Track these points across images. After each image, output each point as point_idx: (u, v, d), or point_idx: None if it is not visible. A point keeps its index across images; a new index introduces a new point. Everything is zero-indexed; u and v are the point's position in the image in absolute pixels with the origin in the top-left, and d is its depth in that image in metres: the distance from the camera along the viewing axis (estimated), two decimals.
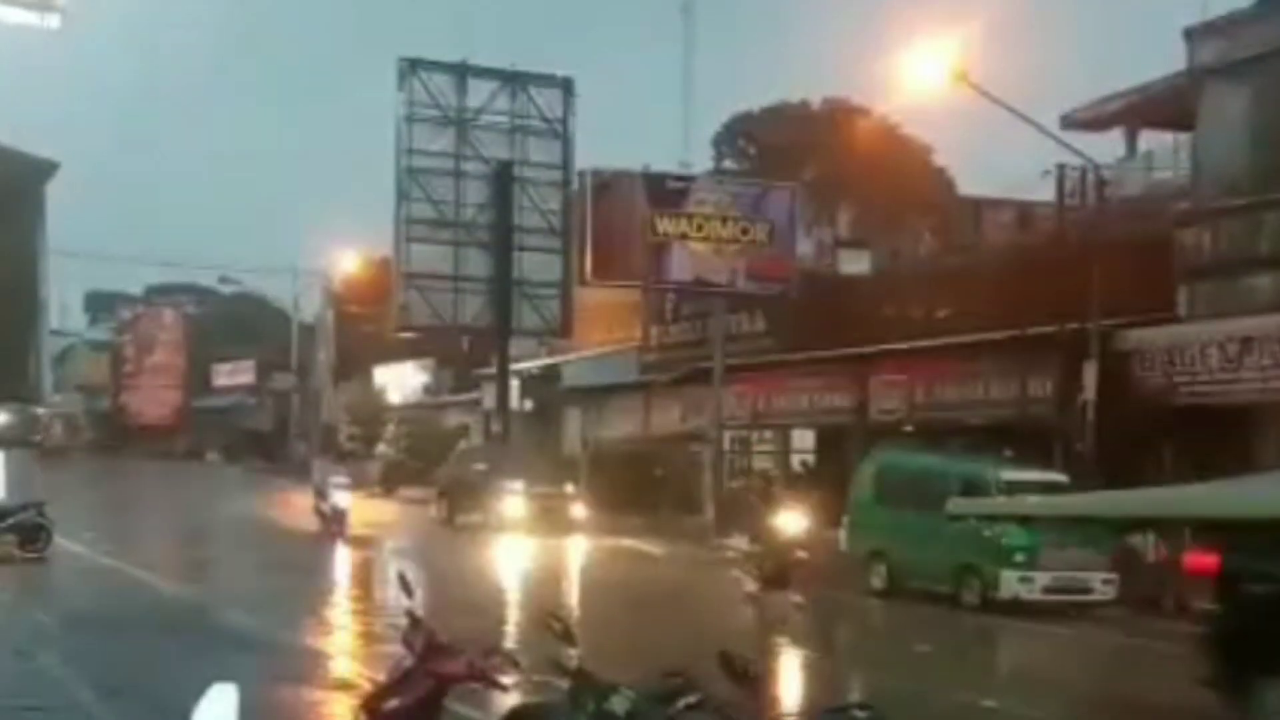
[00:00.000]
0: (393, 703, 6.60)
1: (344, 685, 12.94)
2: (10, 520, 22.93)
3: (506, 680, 7.00)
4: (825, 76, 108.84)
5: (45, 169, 6.14)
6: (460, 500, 34.64)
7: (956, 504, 19.87)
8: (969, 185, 43.60)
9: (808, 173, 39.90)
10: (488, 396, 44.99)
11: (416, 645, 6.74)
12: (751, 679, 6.04)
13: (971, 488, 20.40)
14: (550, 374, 44.47)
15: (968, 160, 63.56)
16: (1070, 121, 29.27)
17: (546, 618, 6.79)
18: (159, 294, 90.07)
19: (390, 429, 56.55)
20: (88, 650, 14.24)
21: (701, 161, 46.57)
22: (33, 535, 22.81)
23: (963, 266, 30.71)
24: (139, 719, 10.80)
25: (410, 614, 6.93)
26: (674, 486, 36.20)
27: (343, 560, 26.81)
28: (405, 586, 7.36)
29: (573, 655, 6.51)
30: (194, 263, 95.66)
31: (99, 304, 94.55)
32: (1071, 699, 14.60)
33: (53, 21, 8.15)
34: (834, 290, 33.80)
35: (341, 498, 30.26)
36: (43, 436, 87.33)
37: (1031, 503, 20.09)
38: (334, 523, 29.67)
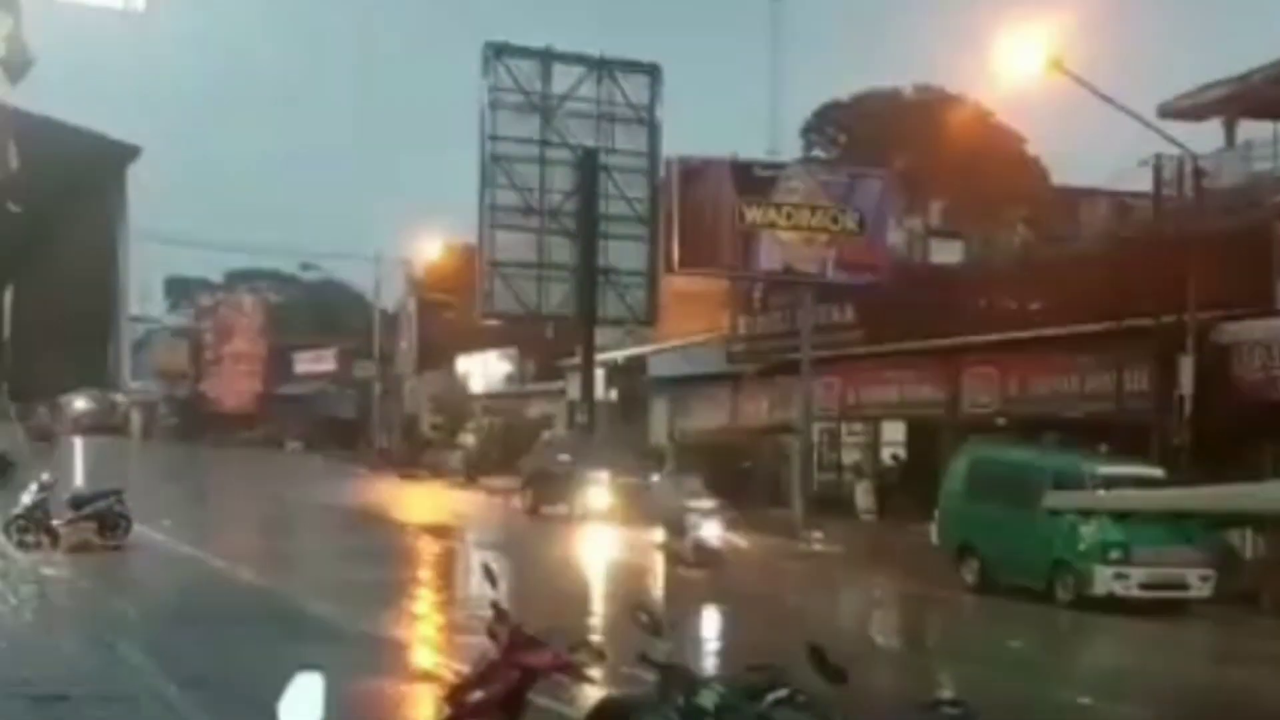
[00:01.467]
0: (477, 694, 6.51)
1: (426, 676, 12.90)
2: (89, 508, 23.11)
3: (592, 672, 6.90)
4: (917, 64, 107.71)
5: (126, 152, 5.98)
6: (545, 491, 34.51)
7: (1054, 497, 19.86)
8: (1063, 175, 43.36)
9: (899, 161, 39.25)
10: (572, 386, 44.78)
11: (502, 637, 6.65)
12: (841, 674, 5.88)
13: (1066, 483, 20.20)
14: (636, 364, 44.17)
15: (1062, 150, 62.52)
16: (1168, 111, 28.89)
17: (635, 610, 6.70)
18: (240, 280, 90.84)
19: (474, 419, 56.61)
20: (168, 640, 14.21)
21: (790, 151, 46.23)
22: (112, 523, 22.99)
23: (1057, 258, 30.20)
24: (221, 709, 10.69)
25: (495, 605, 6.82)
26: (761, 479, 35.87)
27: (425, 551, 26.67)
28: (490, 577, 7.24)
29: (662, 648, 6.41)
30: (275, 249, 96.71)
31: (179, 290, 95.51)
32: (1167, 697, 14.39)
33: (137, 4, 7.89)
34: (925, 281, 33.44)
35: (710, 531, 24.21)
36: (121, 424, 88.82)
37: (1130, 496, 19.81)
38: (697, 562, 23.50)
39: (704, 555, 23.47)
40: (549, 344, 50.54)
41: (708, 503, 24.71)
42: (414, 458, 56.18)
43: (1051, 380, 28.26)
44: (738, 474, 36.39)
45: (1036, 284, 29.35)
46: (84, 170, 6.24)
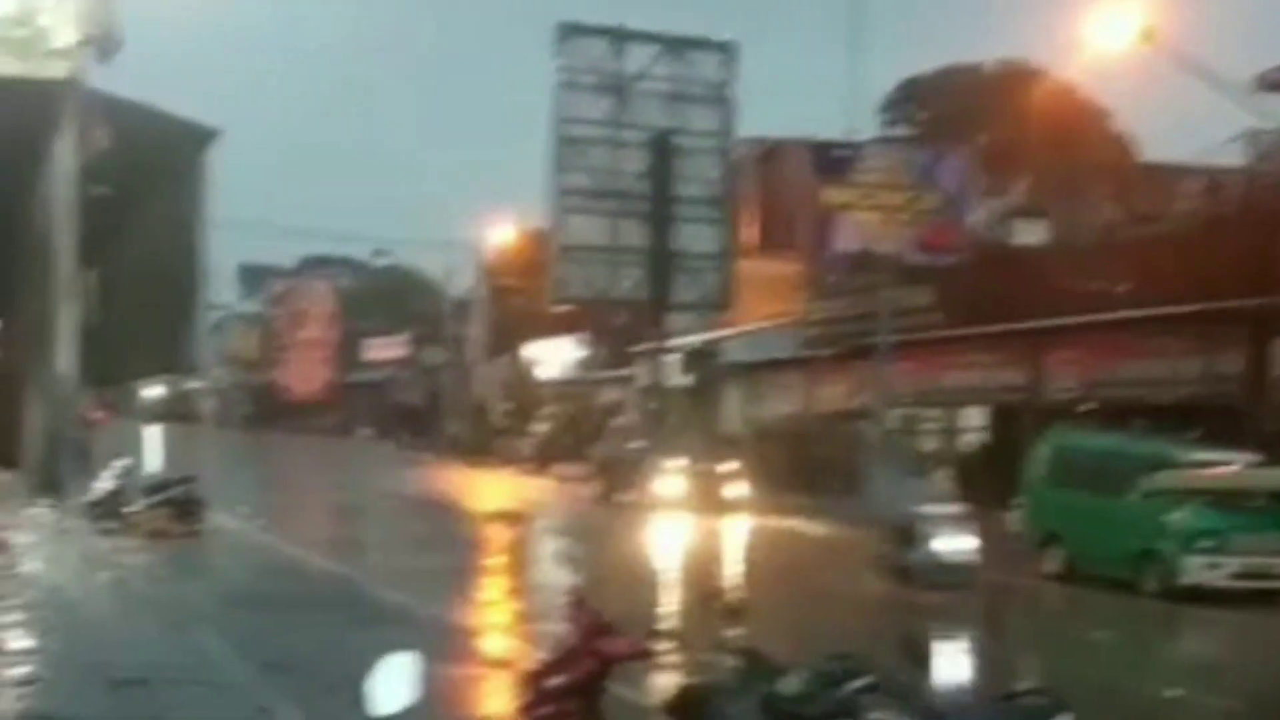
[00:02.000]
0: (555, 681, 6.46)
1: (500, 663, 12.84)
2: (165, 494, 23.25)
3: (670, 660, 7.06)
4: (999, 38, 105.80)
5: (205, 136, 5.83)
6: (617, 478, 34.36)
7: (1154, 480, 19.24)
8: (1152, 151, 42.35)
9: (981, 139, 38.58)
10: (644, 372, 44.54)
11: (580, 623, 6.61)
12: (930, 662, 5.82)
13: (1155, 469, 19.97)
14: (709, 349, 43.82)
15: (1151, 125, 61.07)
16: (1265, 83, 28.00)
17: (713, 597, 6.58)
18: (311, 266, 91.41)
19: (545, 407, 56.57)
20: (244, 625, 14.35)
21: (869, 129, 45.14)
22: (188, 509, 23.08)
23: (1146, 236, 29.58)
24: (298, 694, 10.68)
25: (574, 592, 6.97)
26: (837, 466, 35.33)
27: (496, 539, 26.57)
28: (568, 565, 7.02)
29: (741, 635, 6.63)
30: (347, 235, 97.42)
31: (252, 276, 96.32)
32: (1261, 690, 13.87)
33: None
34: (1008, 261, 32.83)
35: (953, 544, 19.16)
36: (194, 411, 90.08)
37: (1233, 476, 19.26)
38: (931, 584, 18.49)
39: (943, 575, 18.52)
40: (620, 329, 50.33)
41: (949, 507, 20.19)
42: (483, 445, 56.28)
43: (1139, 364, 27.71)
44: (813, 461, 36.00)
45: (1123, 264, 28.70)
46: (166, 153, 6.11)
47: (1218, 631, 17.97)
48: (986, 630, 18.46)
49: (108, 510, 22.43)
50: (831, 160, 32.76)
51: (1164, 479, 19.93)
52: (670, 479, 32.45)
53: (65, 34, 4.83)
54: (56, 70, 4.69)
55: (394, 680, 3.91)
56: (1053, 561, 21.34)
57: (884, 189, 32.43)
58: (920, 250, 32.51)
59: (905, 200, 32.53)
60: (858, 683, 6.07)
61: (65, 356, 5.14)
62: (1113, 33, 23.56)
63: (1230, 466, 20.27)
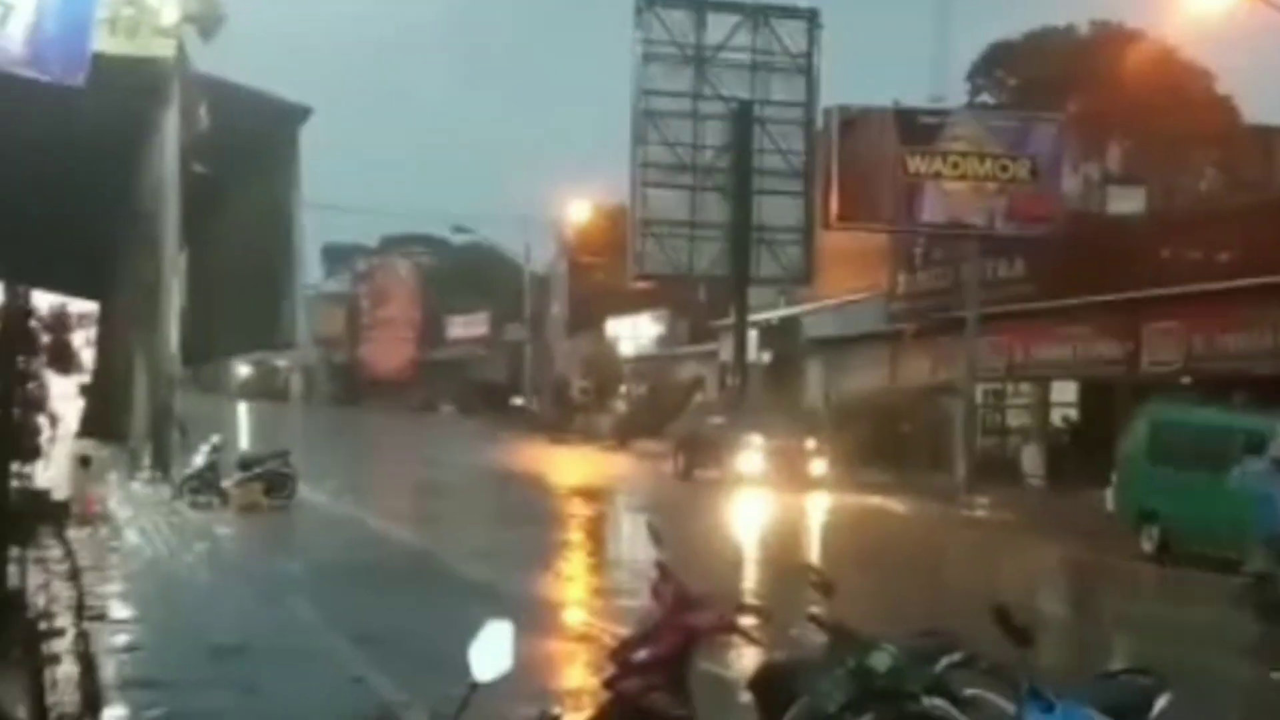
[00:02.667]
0: (641, 654, 6.38)
1: (584, 637, 12.93)
2: (257, 469, 23.80)
3: (757, 635, 6.73)
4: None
5: (299, 113, 5.96)
6: (697, 454, 34.16)
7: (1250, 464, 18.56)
8: (1257, 114, 41.03)
9: (1074, 104, 37.60)
10: (725, 348, 44.32)
11: (666, 597, 6.52)
12: (1029, 635, 5.55)
13: (1259, 445, 18.67)
14: (790, 324, 43.48)
15: (1256, 87, 59.03)
16: None
17: (805, 570, 6.60)
18: (393, 245, 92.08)
19: (625, 385, 56.56)
20: (334, 596, 14.55)
21: (956, 96, 44.34)
22: (278, 484, 23.57)
23: (1250, 203, 28.77)
24: (391, 665, 10.78)
25: (660, 566, 6.67)
26: (921, 442, 35.02)
27: (577, 514, 26.62)
28: (655, 537, 7.03)
29: (833, 609, 6.29)
30: (428, 213, 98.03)
31: (335, 256, 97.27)
32: None
33: None
34: (1102, 231, 32.10)
35: None
36: (282, 389, 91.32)
37: None
38: None
39: None
40: (701, 305, 50.13)
41: None
42: (564, 421, 56.40)
43: (1241, 335, 26.82)
44: (897, 437, 35.66)
45: (1225, 231, 27.88)
46: (263, 131, 6.18)
47: None
48: (1083, 610, 18.19)
49: (202, 485, 22.94)
50: (918, 128, 32.14)
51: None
52: (751, 455, 32.25)
53: (170, 12, 4.92)
54: (163, 49, 4.78)
55: (493, 648, 3.94)
56: (1149, 540, 20.89)
57: (972, 157, 31.77)
58: (1010, 220, 31.87)
59: (994, 169, 31.86)
60: (950, 658, 5.99)
61: (171, 334, 5.29)
62: None
63: None
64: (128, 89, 5.36)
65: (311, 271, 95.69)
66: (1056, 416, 33.60)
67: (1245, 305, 26.26)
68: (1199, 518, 19.98)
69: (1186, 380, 27.58)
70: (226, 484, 23.21)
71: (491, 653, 3.94)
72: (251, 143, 6.26)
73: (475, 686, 3.90)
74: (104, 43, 5.24)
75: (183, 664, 10.76)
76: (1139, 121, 38.38)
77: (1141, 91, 38.74)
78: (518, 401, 66.68)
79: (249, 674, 10.36)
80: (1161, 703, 6.25)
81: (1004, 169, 31.91)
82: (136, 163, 5.45)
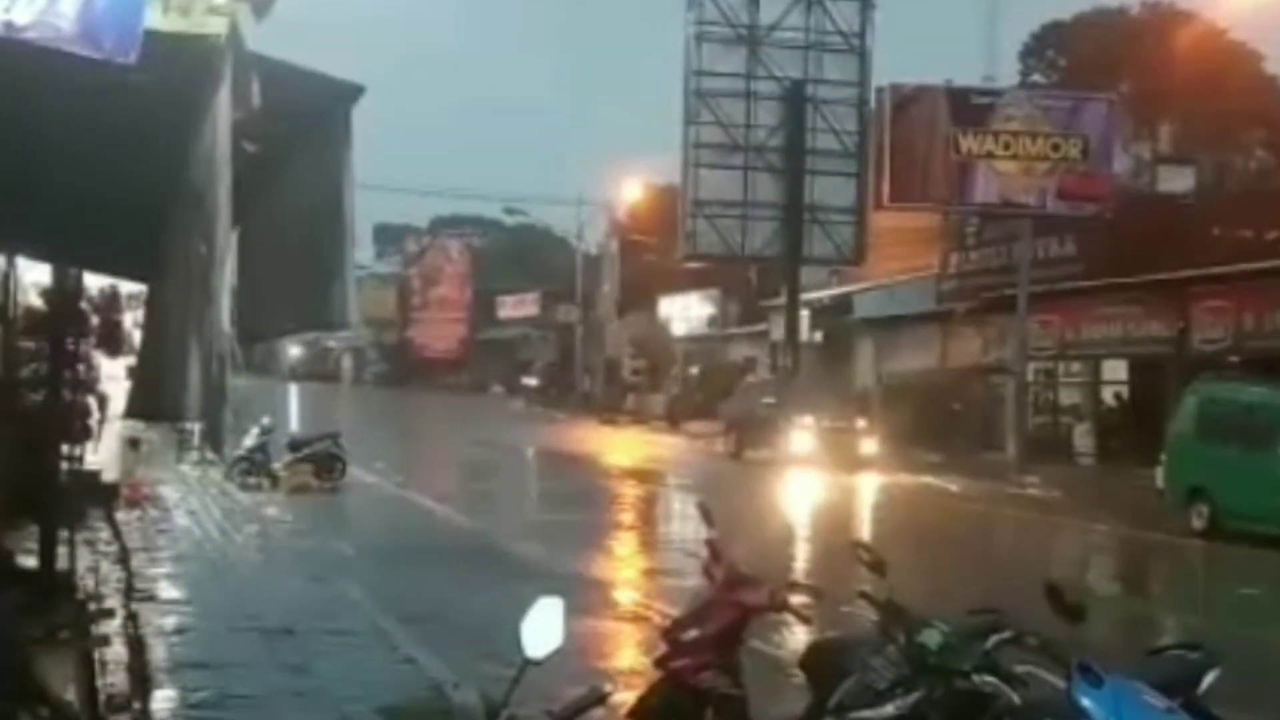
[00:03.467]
0: (693, 633, 6.37)
1: (635, 617, 12.90)
2: (307, 450, 23.73)
3: (809, 613, 6.69)
4: None
5: (352, 92, 5.93)
6: (748, 435, 34.17)
7: None
8: None
9: (1125, 85, 37.47)
10: (776, 328, 44.24)
11: (717, 576, 6.52)
12: (1081, 612, 5.58)
13: None
14: (841, 304, 43.33)
15: None
16: None
17: (857, 548, 6.53)
18: (444, 226, 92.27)
19: (677, 363, 56.50)
20: (384, 577, 14.48)
21: (1008, 77, 44.29)
22: (328, 465, 23.52)
23: None
24: (439, 644, 10.74)
25: (711, 544, 6.67)
26: (973, 421, 34.90)
27: (628, 494, 26.67)
28: (706, 517, 7.02)
29: (884, 586, 6.23)
30: (479, 193, 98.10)
31: (386, 236, 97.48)
32: None
33: None
34: (1152, 210, 31.96)
35: None
36: (333, 370, 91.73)
37: None
38: None
39: None
40: (752, 285, 50.01)
41: None
42: (615, 402, 56.46)
43: None
44: (948, 416, 35.55)
45: (1274, 211, 27.76)
46: (315, 110, 6.18)
47: None
48: (1132, 586, 18.14)
49: (252, 466, 22.90)
50: (970, 108, 32.05)
51: None
52: (801, 435, 32.22)
53: None
54: (216, 26, 4.76)
55: (544, 625, 3.94)
56: (1199, 518, 20.81)
57: (1024, 137, 31.68)
58: (1061, 200, 31.73)
59: (1046, 149, 31.71)
60: (1000, 636, 5.96)
61: (224, 313, 5.26)
62: None
63: None
64: (180, 67, 5.36)
65: (363, 252, 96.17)
66: (1107, 395, 33.43)
67: None
68: (1247, 495, 19.96)
69: (1235, 359, 27.47)
70: (276, 466, 23.13)
71: (543, 630, 3.93)
72: (304, 122, 6.25)
73: (528, 663, 3.90)
74: (156, 20, 5.24)
75: (232, 645, 10.73)
76: (1189, 101, 38.12)
77: (1192, 72, 38.47)
78: (531, 382, 67.50)
79: (298, 655, 10.31)
80: (1211, 677, 6.25)
81: (1055, 148, 31.75)
82: (188, 141, 5.43)
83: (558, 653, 3.93)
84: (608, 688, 4.37)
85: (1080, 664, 5.42)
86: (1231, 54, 43.09)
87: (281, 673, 9.82)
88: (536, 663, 3.92)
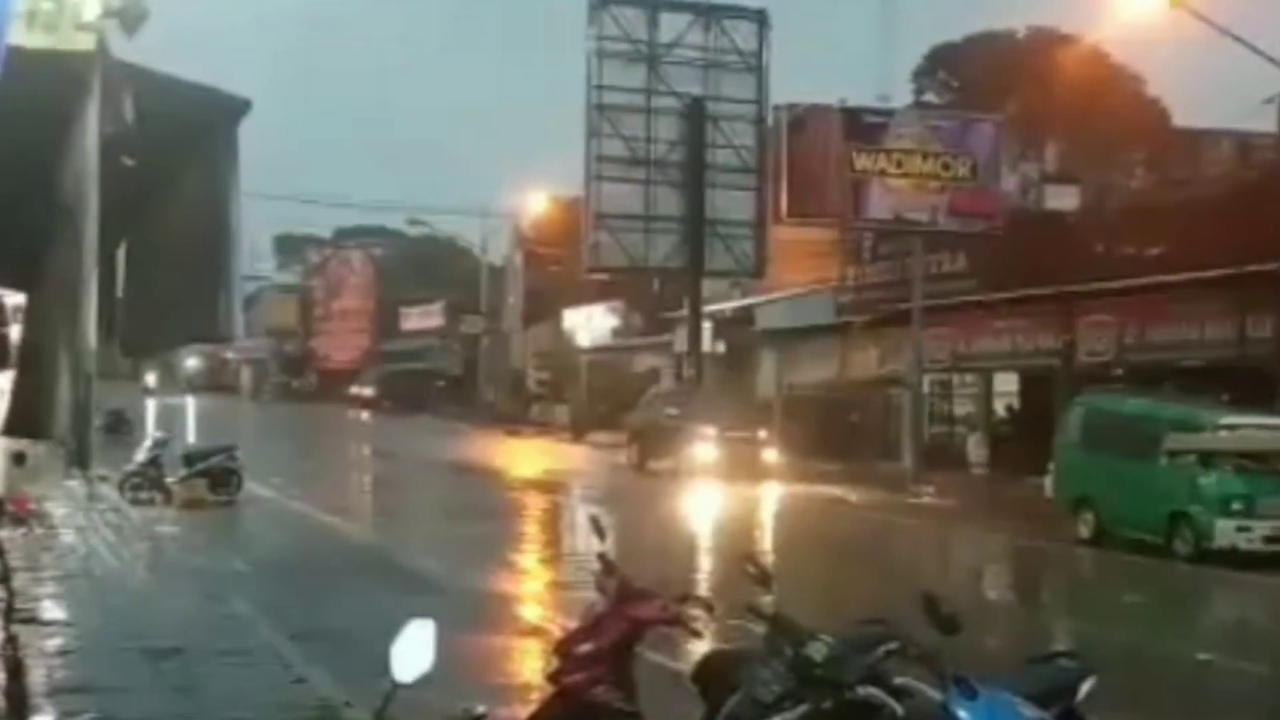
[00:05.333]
0: (585, 646, 6.37)
1: (534, 631, 12.85)
2: (202, 464, 23.26)
3: (700, 626, 6.75)
4: (1032, 4, 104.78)
5: (238, 107, 5.85)
6: (651, 445, 34.34)
7: (1176, 439, 19.72)
8: (1184, 116, 41.97)
9: (1013, 105, 38.28)
10: (679, 339, 44.50)
11: (610, 589, 6.52)
12: (955, 623, 5.65)
13: (1186, 432, 20.03)
14: (743, 316, 43.74)
15: (1183, 90, 60.45)
16: None
17: (743, 561, 6.57)
18: (348, 237, 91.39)
19: (581, 374, 56.58)
20: (278, 594, 14.30)
21: (900, 96, 45.08)
22: (224, 479, 23.08)
23: (1178, 201, 29.45)
24: (332, 662, 10.59)
25: (603, 558, 6.69)
26: (871, 431, 35.42)
27: (531, 507, 26.67)
28: (598, 530, 7.17)
29: (770, 600, 6.30)
30: (383, 205, 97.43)
31: (288, 247, 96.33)
32: None
33: None
34: (1040, 227, 32.72)
35: None
36: (232, 382, 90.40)
37: (1255, 438, 19.25)
38: None
39: None
40: (656, 297, 50.27)
41: None
42: (520, 413, 56.37)
43: (1170, 328, 27.64)
44: (847, 427, 36.03)
45: (1156, 229, 28.60)
46: (197, 123, 6.14)
47: (1248, 595, 17.95)
48: (1020, 594, 18.58)
49: (144, 481, 22.47)
50: (863, 127, 32.63)
51: (1184, 439, 19.94)
52: (703, 446, 32.45)
53: (91, 6, 4.85)
54: (84, 43, 4.71)
55: (415, 647, 3.94)
56: (1085, 525, 21.32)
57: (915, 156, 32.33)
58: (952, 216, 32.41)
59: (937, 167, 32.41)
60: (887, 647, 6.03)
61: (90, 329, 5.17)
62: None
63: (1249, 431, 20.27)
64: (46, 83, 5.35)
65: (264, 263, 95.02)
66: (999, 406, 34.14)
67: (1173, 299, 27.04)
68: (1130, 503, 20.49)
69: (1119, 371, 28.29)
70: (170, 480, 22.64)
71: (414, 652, 3.93)
72: (188, 135, 6.19)
73: (397, 686, 3.91)
74: (21, 37, 5.22)
75: (116, 667, 10.36)
76: (1074, 122, 39.15)
77: (1076, 93, 39.43)
78: (365, 392, 67.24)
79: (185, 676, 10.03)
80: (1088, 686, 6.42)
81: (946, 167, 32.48)
82: (57, 156, 5.42)
83: (427, 676, 3.93)
84: (481, 709, 4.42)
85: (955, 676, 5.53)
86: (1114, 77, 44.25)
87: (167, 695, 9.58)
88: (406, 685, 3.91)
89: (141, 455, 22.81)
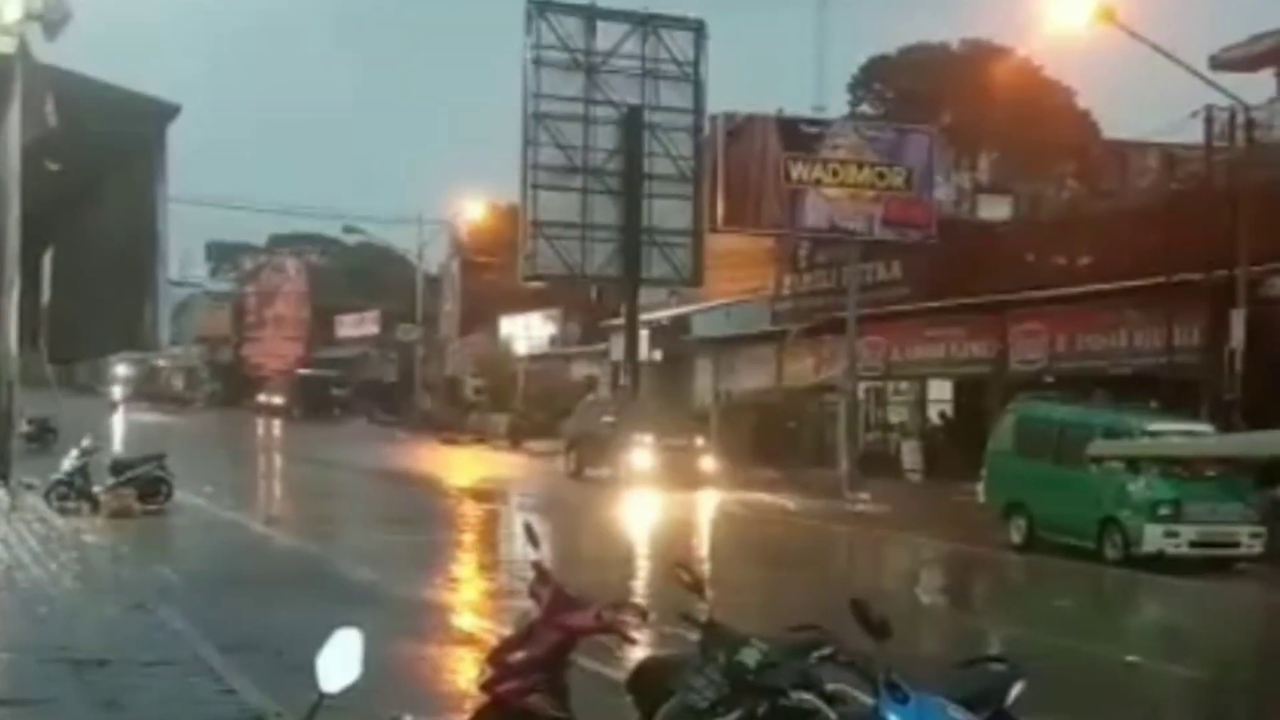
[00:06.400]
0: (519, 655, 6.35)
1: (468, 640, 12.78)
2: (131, 474, 22.91)
3: (635, 633, 6.71)
4: (965, 17, 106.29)
5: (166, 111, 5.76)
6: (588, 453, 34.34)
7: (1098, 446, 20.06)
8: (1114, 129, 42.72)
9: (946, 117, 38.82)
10: (616, 347, 44.57)
11: (543, 597, 6.49)
12: (885, 628, 5.67)
13: (1115, 439, 20.36)
14: (680, 324, 43.89)
15: (1112, 103, 61.53)
16: (1219, 62, 28.67)
17: (675, 569, 6.55)
18: (282, 244, 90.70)
19: (518, 382, 56.52)
20: (210, 605, 14.10)
21: (837, 107, 45.70)
22: (153, 488, 22.78)
23: (1107, 212, 29.97)
24: (262, 673, 10.46)
25: (537, 566, 6.67)
26: (807, 439, 35.64)
27: (468, 515, 26.60)
28: (532, 538, 7.13)
29: (703, 607, 6.28)
30: (318, 212, 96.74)
31: (221, 254, 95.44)
32: (1217, 656, 14.16)
33: None
34: (973, 237, 33.13)
35: None
36: (163, 389, 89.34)
37: (1172, 444, 19.66)
38: None
39: None
40: (593, 305, 50.31)
41: None
42: (457, 421, 56.20)
43: (1100, 336, 28.10)
44: (783, 434, 36.22)
45: (1085, 239, 29.10)
46: (123, 128, 6.05)
47: (1175, 599, 18.18)
48: (953, 599, 18.76)
49: (71, 490, 22.11)
50: (799, 137, 32.90)
51: (1106, 445, 20.24)
52: (641, 454, 32.50)
53: (11, 10, 4.76)
54: (4, 45, 4.61)
55: (341, 657, 3.90)
56: (1017, 531, 21.56)
57: (850, 165, 32.63)
58: (886, 226, 32.72)
59: (872, 177, 32.72)
60: (821, 652, 6.05)
61: (10, 336, 5.07)
62: (1074, 11, 23.75)
63: (1169, 438, 20.65)
64: None
65: (196, 270, 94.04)
66: (933, 413, 34.47)
67: (1103, 308, 27.52)
68: (1060, 509, 20.76)
69: (1050, 379, 28.69)
70: (97, 489, 22.26)
71: (340, 662, 3.89)
72: (115, 140, 6.10)
73: (323, 697, 3.87)
74: None
75: (40, 679, 10.12)
76: (1006, 134, 39.75)
77: (1008, 106, 40.06)
78: (274, 400, 67.27)
79: (111, 688, 9.82)
80: (1017, 689, 6.48)
81: (880, 177, 32.79)
82: None
83: (354, 686, 3.90)
84: (408, 718, 4.40)
85: (887, 681, 5.57)
86: (1046, 89, 45.09)
87: (91, 708, 9.42)
88: (332, 696, 3.88)
89: (68, 464, 22.44)
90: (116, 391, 68.12)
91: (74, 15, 5.79)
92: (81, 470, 22.49)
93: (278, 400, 70.31)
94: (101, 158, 6.11)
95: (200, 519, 23.24)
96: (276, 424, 61.98)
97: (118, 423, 49.48)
